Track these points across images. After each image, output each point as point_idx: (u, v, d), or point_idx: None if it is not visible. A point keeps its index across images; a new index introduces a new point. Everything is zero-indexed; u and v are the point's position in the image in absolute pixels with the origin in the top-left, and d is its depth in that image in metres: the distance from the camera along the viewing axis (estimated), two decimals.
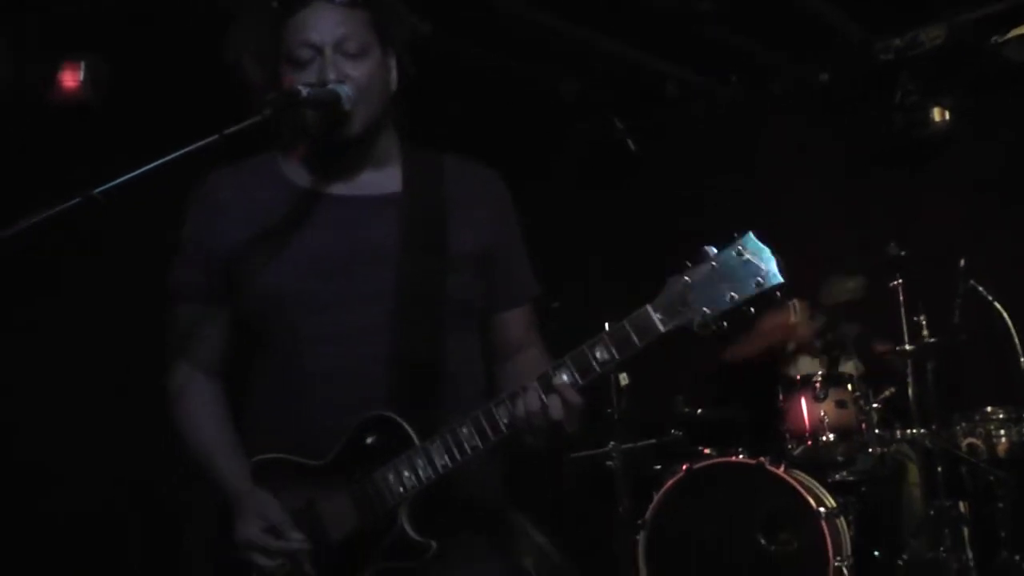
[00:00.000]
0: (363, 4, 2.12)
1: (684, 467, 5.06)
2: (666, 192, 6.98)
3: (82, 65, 4.66)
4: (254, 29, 2.15)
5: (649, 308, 1.85)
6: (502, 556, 2.22)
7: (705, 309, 1.81)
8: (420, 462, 1.97)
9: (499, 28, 5.74)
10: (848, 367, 5.76)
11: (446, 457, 1.96)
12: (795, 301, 6.03)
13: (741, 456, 5.10)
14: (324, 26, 2.08)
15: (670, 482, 5.06)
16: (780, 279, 1.79)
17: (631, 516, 5.36)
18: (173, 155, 1.92)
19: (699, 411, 5.67)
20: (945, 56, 6.15)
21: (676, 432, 5.57)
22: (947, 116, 6.21)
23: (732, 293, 1.80)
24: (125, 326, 4.45)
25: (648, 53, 6.44)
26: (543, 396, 1.89)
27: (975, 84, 6.20)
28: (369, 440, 2.01)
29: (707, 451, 5.42)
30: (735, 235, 1.83)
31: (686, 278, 1.83)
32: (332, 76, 2.05)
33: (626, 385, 5.49)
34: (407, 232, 2.13)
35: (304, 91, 2.00)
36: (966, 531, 5.22)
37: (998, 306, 5.32)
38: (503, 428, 1.93)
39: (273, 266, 2.10)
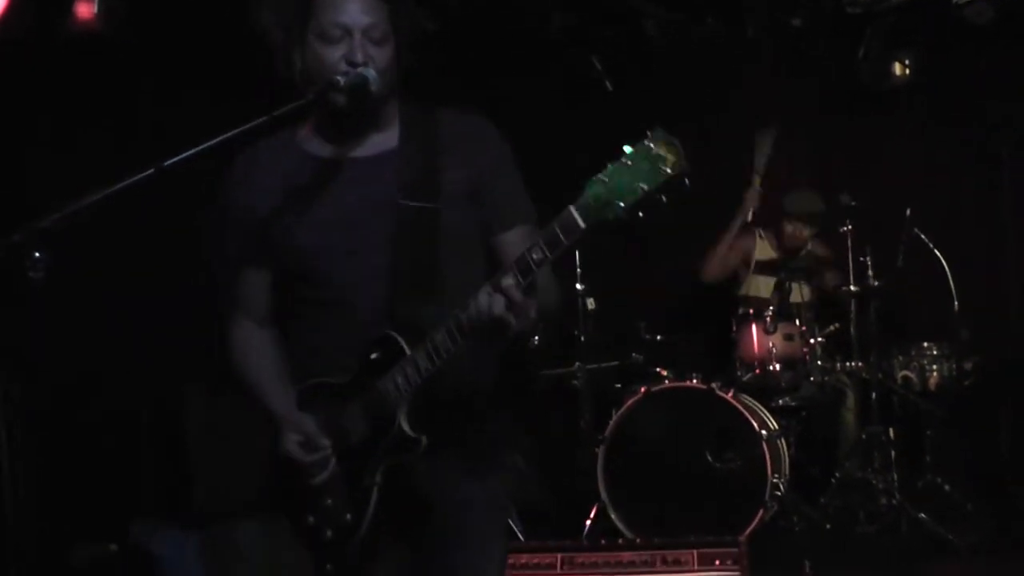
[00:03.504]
0: None
1: (642, 389, 5.38)
2: (640, 127, 7.25)
3: None
4: (285, 2, 2.40)
5: (571, 208, 2.08)
6: (481, 468, 2.49)
7: (619, 203, 2.03)
8: (410, 369, 2.29)
9: None
10: (799, 293, 6.12)
11: (427, 361, 2.27)
12: (759, 229, 6.47)
13: (695, 381, 5.44)
14: (355, 11, 2.34)
15: (629, 402, 5.38)
16: (685, 166, 2.03)
17: (592, 431, 5.72)
18: (230, 133, 2.23)
19: (659, 337, 5.98)
20: (909, 14, 6.35)
21: (637, 356, 5.88)
22: (907, 71, 6.50)
23: (642, 184, 2.02)
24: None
25: None
26: (490, 295, 2.16)
27: (935, 42, 6.43)
28: (374, 356, 2.35)
29: (664, 373, 5.75)
30: (648, 132, 2.04)
31: (602, 177, 2.04)
32: (360, 58, 2.33)
33: (593, 310, 5.79)
34: (404, 181, 2.43)
35: (342, 80, 2.31)
36: (893, 454, 5.65)
37: (938, 253, 5.71)
38: (465, 330, 2.22)
39: (298, 228, 2.43)
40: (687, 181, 2.03)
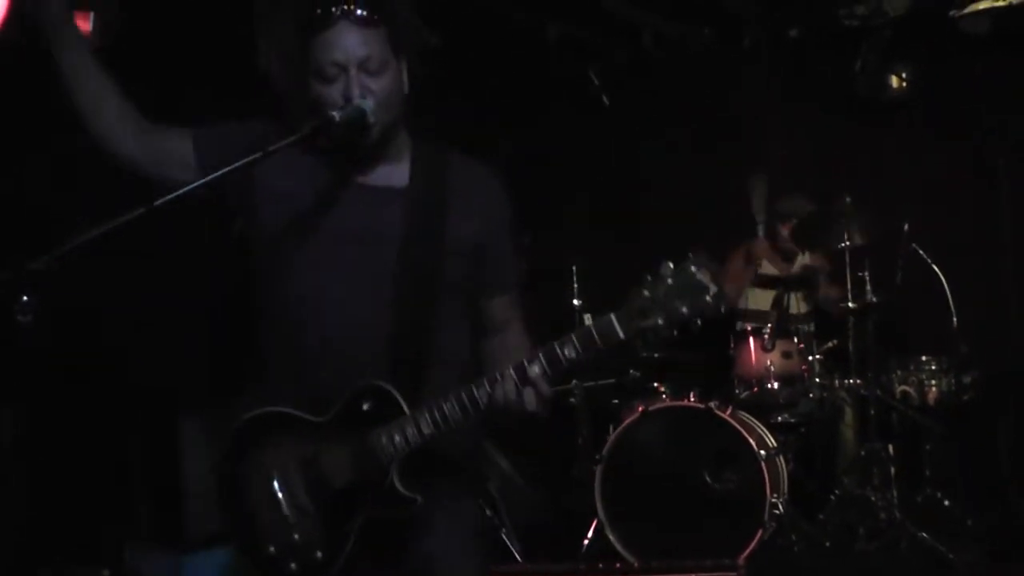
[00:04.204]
0: (382, 22, 2.35)
1: (640, 408, 5.34)
2: (635, 139, 7.25)
3: (92, 13, 4.81)
4: (284, 42, 2.40)
5: (612, 316, 2.13)
6: (467, 500, 2.53)
7: (660, 321, 2.10)
8: (409, 429, 2.26)
9: None
10: (797, 305, 6.13)
11: (431, 427, 2.25)
12: (756, 240, 6.44)
13: (692, 399, 5.40)
14: (348, 47, 2.31)
15: (626, 421, 5.33)
16: (723, 298, 2.10)
17: (590, 447, 5.68)
18: (222, 171, 2.22)
19: (656, 354, 5.91)
20: (905, 26, 6.34)
21: (634, 373, 5.83)
22: (904, 84, 6.49)
23: (684, 308, 2.09)
24: None
25: (625, 3, 6.63)
26: (519, 386, 2.18)
27: (932, 55, 6.43)
28: (365, 406, 2.31)
29: (661, 388, 5.71)
30: (689, 254, 2.12)
31: (646, 292, 2.11)
32: (356, 93, 2.30)
33: None
34: (410, 221, 2.40)
35: (337, 116, 2.27)
36: (892, 471, 5.61)
37: (936, 269, 5.69)
38: (482, 407, 2.22)
39: (292, 241, 2.39)
40: (723, 310, 2.11)
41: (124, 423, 5.00)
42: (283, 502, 2.35)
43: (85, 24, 4.80)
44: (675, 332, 2.11)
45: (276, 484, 2.37)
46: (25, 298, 2.05)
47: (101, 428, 4.92)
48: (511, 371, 2.20)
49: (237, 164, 2.24)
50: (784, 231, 6.31)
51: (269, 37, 2.44)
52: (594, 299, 5.83)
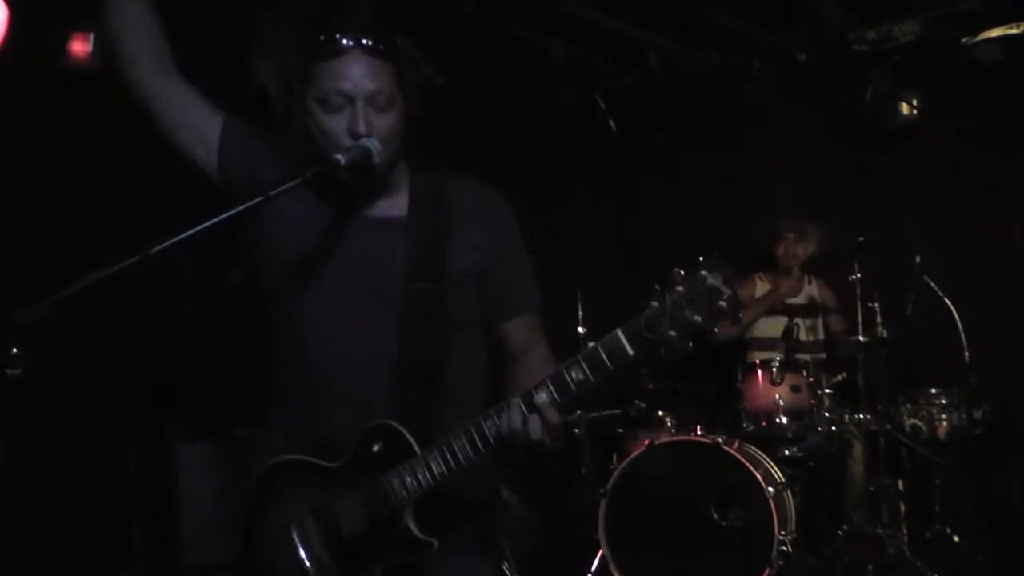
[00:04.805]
0: (392, 57, 2.27)
1: (645, 442, 5.26)
2: (640, 163, 7.18)
3: (92, 35, 4.74)
4: (286, 65, 2.28)
5: (619, 332, 1.99)
6: (485, 547, 2.44)
7: (671, 332, 1.94)
8: (421, 470, 2.17)
9: None
10: (807, 332, 6.08)
11: (443, 466, 2.15)
12: (760, 273, 6.38)
13: (699, 434, 5.32)
14: (359, 78, 2.22)
15: (632, 454, 5.26)
16: (740, 299, 1.95)
17: (593, 476, 5.62)
18: (219, 217, 2.12)
19: (662, 387, 5.87)
20: (916, 53, 6.29)
21: (640, 404, 5.75)
22: (914, 112, 6.41)
23: (696, 316, 1.93)
24: None
25: (633, 24, 6.54)
26: (525, 413, 2.07)
27: (943, 82, 6.34)
28: (375, 448, 2.22)
29: (667, 418, 5.64)
30: (700, 259, 1.95)
31: (654, 303, 1.95)
32: (363, 129, 2.22)
33: None
34: (411, 253, 2.33)
35: (342, 159, 2.19)
36: (903, 508, 5.53)
37: (948, 302, 5.58)
38: (491, 441, 2.11)
39: (296, 280, 2.33)
40: (741, 315, 1.96)
41: (120, 450, 4.92)
42: (301, 555, 2.29)
43: (85, 45, 4.78)
44: (690, 344, 1.96)
45: (294, 536, 2.31)
46: (15, 350, 1.96)
47: (97, 456, 4.85)
48: (518, 399, 2.09)
49: (238, 209, 2.16)
50: (782, 249, 6.29)
51: (270, 59, 2.32)
52: (600, 326, 5.73)
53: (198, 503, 4.76)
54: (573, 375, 2.04)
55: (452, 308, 2.34)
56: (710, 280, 1.93)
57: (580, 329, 5.77)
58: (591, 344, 2.04)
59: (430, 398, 2.28)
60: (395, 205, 2.39)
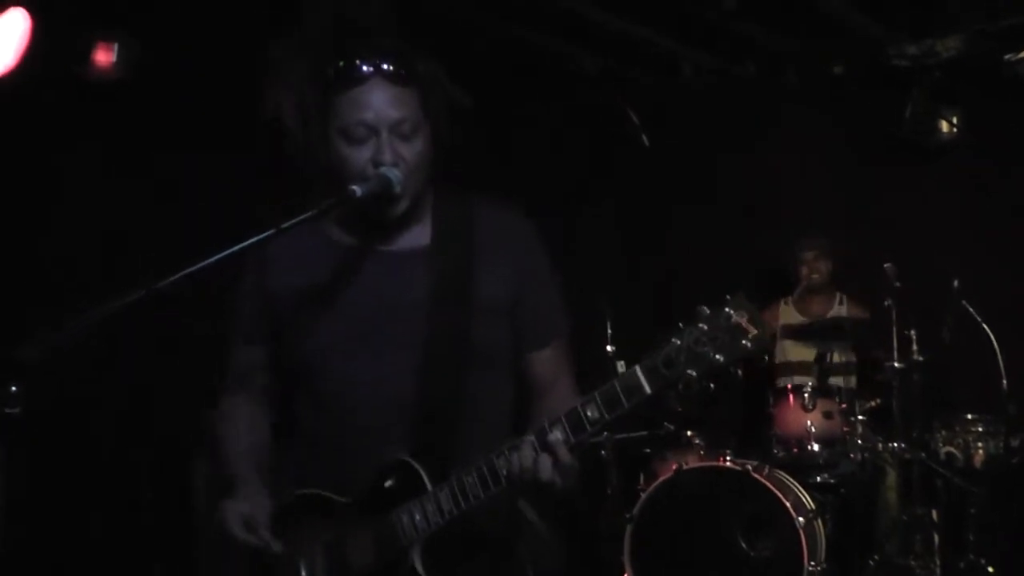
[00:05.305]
0: (415, 83, 2.19)
1: (673, 466, 5.15)
2: (671, 179, 7.07)
3: (115, 44, 4.72)
4: (302, 95, 2.21)
5: (638, 369, 1.93)
6: None
7: (691, 371, 1.89)
8: (430, 507, 2.10)
9: (526, 6, 5.77)
10: (839, 356, 5.93)
11: (452, 504, 2.08)
12: (784, 297, 6.26)
13: (728, 460, 5.18)
14: (380, 107, 2.14)
15: (659, 479, 5.16)
16: (766, 341, 1.90)
17: (618, 499, 5.50)
18: (232, 249, 2.05)
19: (690, 412, 5.64)
20: (957, 68, 6.17)
21: (668, 426, 5.63)
22: (954, 129, 6.27)
23: (718, 355, 1.88)
24: None
25: (667, 36, 6.44)
26: (536, 452, 1.98)
27: (984, 99, 6.22)
28: (388, 483, 2.16)
29: (696, 439, 5.50)
30: (727, 296, 1.91)
31: (675, 340, 1.90)
32: (388, 159, 2.14)
33: None
34: (435, 285, 2.25)
35: (359, 191, 2.11)
36: (936, 539, 5.39)
37: (986, 328, 5.43)
38: (502, 479, 2.03)
39: (315, 318, 2.25)
40: (767, 357, 1.87)
41: (136, 471, 4.88)
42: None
43: (109, 55, 4.75)
44: (710, 383, 1.93)
45: (301, 570, 2.25)
46: (13, 388, 1.89)
47: (113, 476, 4.81)
48: (532, 437, 2.01)
49: (248, 242, 2.07)
50: (805, 268, 6.17)
51: (285, 88, 2.25)
52: (628, 346, 5.63)
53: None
54: (588, 413, 1.97)
55: (478, 341, 2.25)
56: (734, 319, 1.87)
57: (608, 348, 5.65)
58: (619, 370, 1.98)
59: (452, 436, 2.21)
60: (419, 234, 2.31)
